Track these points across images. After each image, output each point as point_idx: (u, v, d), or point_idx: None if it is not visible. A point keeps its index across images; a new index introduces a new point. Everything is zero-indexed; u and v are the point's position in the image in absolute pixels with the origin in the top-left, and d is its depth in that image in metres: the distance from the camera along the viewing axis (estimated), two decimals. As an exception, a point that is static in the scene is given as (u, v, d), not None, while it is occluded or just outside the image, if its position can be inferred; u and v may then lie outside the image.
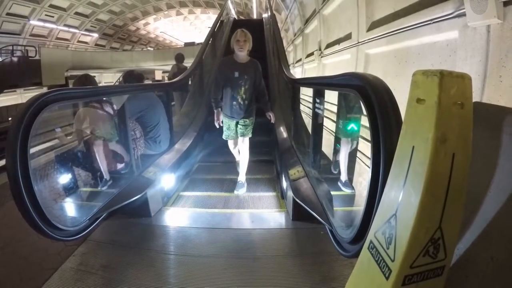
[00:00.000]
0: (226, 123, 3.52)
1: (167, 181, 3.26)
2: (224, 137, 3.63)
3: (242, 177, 3.56)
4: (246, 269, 2.09)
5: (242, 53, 3.22)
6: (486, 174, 1.08)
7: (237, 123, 3.49)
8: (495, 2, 1.94)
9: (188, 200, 3.34)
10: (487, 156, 1.09)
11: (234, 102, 3.32)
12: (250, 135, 3.53)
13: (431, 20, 2.73)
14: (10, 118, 14.83)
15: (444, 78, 0.87)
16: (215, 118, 3.44)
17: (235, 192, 3.41)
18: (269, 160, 4.80)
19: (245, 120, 3.43)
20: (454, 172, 0.90)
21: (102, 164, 2.97)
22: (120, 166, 3.10)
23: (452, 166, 0.90)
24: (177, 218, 2.91)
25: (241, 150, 3.60)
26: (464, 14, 2.25)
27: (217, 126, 3.50)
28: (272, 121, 3.48)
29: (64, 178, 2.88)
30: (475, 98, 2.11)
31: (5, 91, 16.14)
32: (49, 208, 1.92)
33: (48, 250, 2.22)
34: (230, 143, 3.76)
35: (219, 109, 3.43)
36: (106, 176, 2.99)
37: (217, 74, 3.41)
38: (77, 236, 2.15)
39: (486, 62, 2.12)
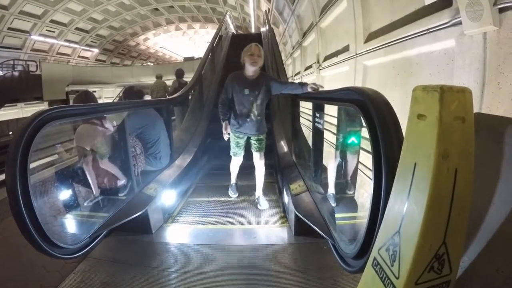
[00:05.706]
0: (235, 140, 3.40)
1: (168, 197, 3.23)
2: (231, 153, 3.51)
3: (259, 191, 3.50)
4: (249, 286, 2.07)
5: (254, 68, 3.07)
6: (490, 185, 1.07)
7: (248, 139, 3.41)
8: (490, 9, 1.96)
9: (189, 216, 3.30)
10: (490, 168, 1.08)
11: (248, 119, 3.22)
12: (264, 150, 3.43)
13: (427, 29, 2.76)
14: (10, 132, 14.87)
15: (445, 94, 0.86)
16: (223, 130, 3.25)
17: (259, 207, 3.38)
18: (269, 164, 4.79)
19: (258, 135, 3.34)
20: (457, 187, 0.89)
21: (92, 179, 2.93)
22: (120, 183, 3.07)
23: (455, 181, 0.89)
24: (178, 235, 2.88)
25: (257, 166, 3.47)
26: (460, 23, 2.28)
27: (226, 139, 3.35)
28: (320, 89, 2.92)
29: (64, 195, 2.86)
30: (475, 106, 2.10)
31: (6, 105, 16.27)
32: (49, 225, 1.91)
33: (47, 267, 2.19)
34: (235, 162, 3.59)
35: (227, 121, 3.26)
36: (96, 192, 2.95)
37: (226, 87, 3.24)
38: (77, 254, 2.12)
39: (484, 70, 2.14)
